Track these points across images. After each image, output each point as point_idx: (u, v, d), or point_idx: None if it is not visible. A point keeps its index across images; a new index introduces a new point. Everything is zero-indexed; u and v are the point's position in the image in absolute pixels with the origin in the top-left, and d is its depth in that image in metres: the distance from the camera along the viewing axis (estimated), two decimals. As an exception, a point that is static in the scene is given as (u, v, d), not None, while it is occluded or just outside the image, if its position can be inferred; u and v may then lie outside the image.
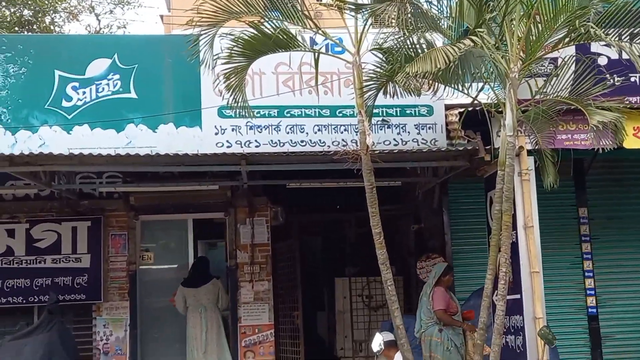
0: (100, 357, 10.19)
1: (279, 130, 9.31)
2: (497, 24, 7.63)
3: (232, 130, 9.33)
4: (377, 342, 6.77)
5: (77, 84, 9.44)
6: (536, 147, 7.85)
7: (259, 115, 9.08)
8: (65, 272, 10.24)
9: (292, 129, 9.35)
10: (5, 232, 10.26)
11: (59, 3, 21.87)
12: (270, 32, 7.81)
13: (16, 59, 9.46)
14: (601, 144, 7.43)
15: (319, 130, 9.33)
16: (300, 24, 7.88)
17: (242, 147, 9.16)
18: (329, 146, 9.02)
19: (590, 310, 9.97)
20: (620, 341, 9.91)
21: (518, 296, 7.81)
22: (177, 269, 10.94)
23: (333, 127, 9.32)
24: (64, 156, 8.41)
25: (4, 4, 20.81)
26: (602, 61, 8.76)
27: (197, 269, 10.71)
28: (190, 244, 10.87)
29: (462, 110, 8.51)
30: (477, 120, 8.36)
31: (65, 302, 10.02)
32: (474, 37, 7.17)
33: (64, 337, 9.59)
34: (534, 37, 7.42)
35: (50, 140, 9.18)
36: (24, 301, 10.17)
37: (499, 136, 7.76)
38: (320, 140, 9.28)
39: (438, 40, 7.98)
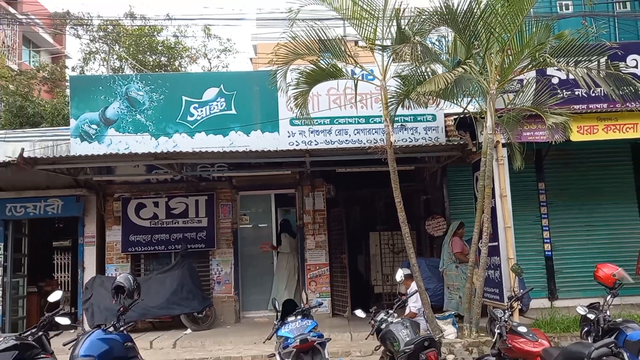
0: (215, 286, 10.30)
1: (331, 133, 9.29)
2: (481, 56, 7.43)
3: (299, 134, 9.33)
4: (399, 275, 6.67)
5: (197, 105, 9.55)
6: (508, 141, 7.61)
7: (317, 123, 9.08)
8: (191, 230, 10.31)
9: (339, 132, 9.31)
10: (152, 204, 10.37)
11: (184, 52, 22.12)
12: (324, 67, 7.76)
13: (157, 89, 9.62)
14: (554, 138, 7.21)
15: (357, 132, 9.28)
16: (344, 61, 7.80)
17: (306, 145, 9.17)
18: (364, 143, 8.94)
19: (546, 252, 9.66)
20: (567, 274, 9.59)
21: (496, 243, 7.64)
22: (264, 228, 10.91)
23: (367, 130, 9.26)
24: (190, 153, 8.51)
25: (148, 53, 21.13)
26: (555, 80, 8.49)
27: (283, 226, 10.79)
28: (272, 210, 10.84)
29: (456, 117, 8.36)
30: (466, 124, 8.23)
31: (191, 249, 10.16)
32: (464, 66, 7.03)
33: (192, 272, 9.77)
34: (507, 65, 7.24)
35: (180, 143, 9.33)
36: (165, 249, 10.30)
37: (482, 134, 7.60)
38: (358, 139, 9.22)
39: (439, 69, 7.80)
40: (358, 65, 7.97)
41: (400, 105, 7.78)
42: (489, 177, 7.26)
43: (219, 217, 10.45)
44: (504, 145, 7.72)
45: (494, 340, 5.41)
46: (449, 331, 7.37)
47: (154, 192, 10.45)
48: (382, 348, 5.73)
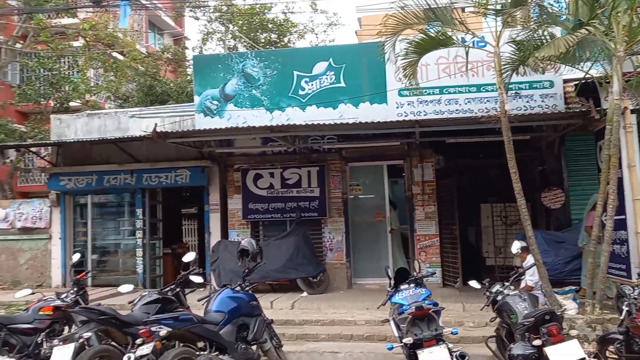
0: (327, 253, 10.66)
1: (440, 103, 9.15)
2: (606, 16, 6.84)
3: (408, 104, 9.30)
4: (516, 247, 6.50)
5: (307, 79, 9.83)
6: (637, 107, 7.00)
7: (426, 93, 8.98)
8: (304, 199, 10.69)
9: (449, 102, 9.13)
10: (268, 174, 10.87)
11: (293, 28, 22.60)
12: (434, 35, 7.61)
13: (270, 65, 10.03)
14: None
15: (468, 102, 9.03)
16: (454, 28, 7.59)
17: (415, 115, 9.10)
18: (475, 113, 8.70)
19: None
20: None
21: (623, 216, 7.12)
22: (375, 198, 10.96)
23: (479, 99, 8.98)
24: (303, 125, 8.84)
25: (260, 31, 21.85)
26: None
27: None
28: (385, 181, 10.84)
29: (576, 82, 7.84)
30: (587, 90, 7.72)
31: (305, 217, 10.57)
32: (588, 27, 6.52)
33: (306, 239, 10.22)
34: (635, 24, 6.62)
35: (293, 116, 9.71)
36: (280, 217, 10.79)
37: (607, 100, 7.06)
38: (469, 109, 8.98)
39: (557, 32, 7.33)
40: (469, 32, 7.72)
41: (515, 72, 7.45)
42: (615, 146, 6.75)
43: (330, 187, 10.73)
44: (632, 111, 7.12)
45: (621, 317, 5.17)
46: (570, 307, 7.05)
47: (269, 163, 10.94)
48: (498, 320, 5.69)
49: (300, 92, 9.81)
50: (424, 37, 7.60)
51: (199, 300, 5.78)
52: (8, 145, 13.69)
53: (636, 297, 5.10)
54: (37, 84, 17.74)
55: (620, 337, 5.14)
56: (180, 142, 9.89)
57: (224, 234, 11.00)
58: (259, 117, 9.80)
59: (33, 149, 12.78)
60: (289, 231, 10.33)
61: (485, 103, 8.88)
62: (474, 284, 6.00)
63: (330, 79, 9.74)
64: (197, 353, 4.94)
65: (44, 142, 12.70)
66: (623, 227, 7.17)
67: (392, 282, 5.76)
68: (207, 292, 5.91)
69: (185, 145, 10.11)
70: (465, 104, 9.02)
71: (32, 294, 6.53)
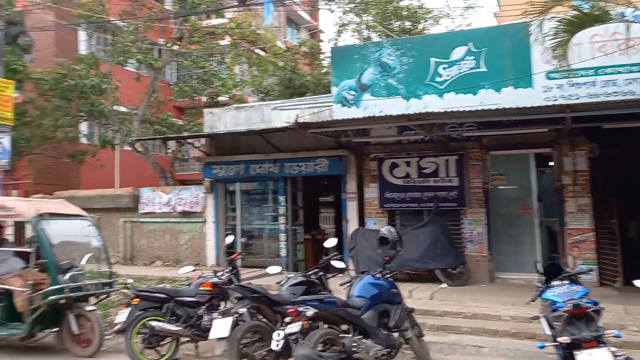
0: (467, 244, 10.35)
1: (595, 85, 8.43)
2: None
3: (557, 88, 8.72)
4: None
5: (445, 65, 9.64)
6: None
7: (578, 75, 8.29)
8: (442, 189, 10.46)
9: (605, 83, 8.35)
10: (404, 163, 10.83)
11: (427, 14, 22.11)
12: (587, 11, 7.00)
13: (406, 53, 10.00)
14: None
15: (629, 82, 8.16)
16: (611, 2, 6.90)
17: (565, 99, 8.49)
18: (639, 94, 7.83)
19: None
20: None
21: None
22: (519, 188, 10.31)
23: (642, 79, 8.07)
24: (440, 113, 8.65)
25: (394, 20, 21.69)
26: None
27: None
28: (532, 171, 10.15)
29: None
30: None
31: (442, 207, 10.35)
32: None
33: (444, 229, 10.02)
34: None
35: (430, 103, 9.59)
36: (417, 206, 10.68)
37: None
38: (630, 90, 8.11)
39: None
40: (630, 5, 6.97)
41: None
42: None
43: (469, 176, 10.40)
44: None
45: None
46: None
47: (405, 153, 10.88)
48: None
49: (438, 79, 9.64)
50: (577, 13, 7.05)
51: (341, 285, 6.01)
52: (169, 137, 15.30)
53: None
54: (192, 81, 19.53)
55: None
56: (319, 132, 10.26)
57: (361, 222, 11.21)
58: (395, 106, 9.82)
59: (189, 141, 14.12)
60: (427, 221, 10.18)
61: (650, 83, 7.97)
62: (639, 283, 5.48)
63: (470, 64, 9.44)
64: (341, 335, 5.15)
65: (199, 134, 13.96)
66: None
67: (543, 277, 5.47)
68: (348, 277, 6.10)
69: (323, 135, 10.46)
70: (626, 85, 8.17)
71: (194, 270, 7.28)
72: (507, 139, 9.95)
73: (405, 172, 10.81)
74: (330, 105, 10.75)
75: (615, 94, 8.18)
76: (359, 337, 5.19)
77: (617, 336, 4.58)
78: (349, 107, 10.36)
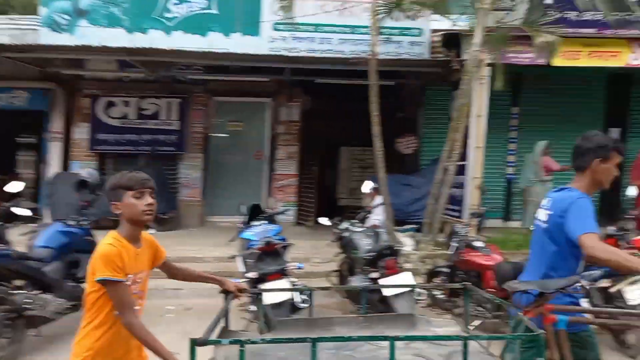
0: (182, 190, 10.12)
1: (314, 41, 9.00)
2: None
3: (282, 40, 9.01)
4: (367, 186, 6.88)
5: (176, 1, 9.02)
6: (492, 61, 7.54)
7: (301, 30, 8.74)
8: (162, 132, 9.98)
9: (322, 41, 9.02)
10: (123, 103, 9.96)
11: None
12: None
13: (133, -18, 8.97)
14: (539, 59, 7.21)
15: (342, 42, 9.01)
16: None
17: (287, 52, 8.85)
18: (347, 54, 8.72)
19: (508, 176, 9.94)
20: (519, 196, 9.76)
21: (464, 162, 7.79)
22: (252, 136, 10.46)
23: (352, 41, 8.98)
24: (166, 50, 8.12)
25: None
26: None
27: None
28: (267, 119, 10.35)
29: (444, 32, 8.20)
30: (452, 43, 8.08)
31: (160, 151, 9.91)
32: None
33: (159, 174, 9.39)
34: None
35: (156, 40, 8.84)
36: (133, 150, 9.95)
37: (467, 52, 7.49)
38: (341, 50, 8.97)
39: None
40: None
41: (389, 15, 7.54)
42: (469, 96, 7.26)
43: (192, 121, 10.12)
44: (488, 64, 7.67)
45: (450, 253, 5.64)
46: (407, 243, 7.53)
47: (125, 92, 9.99)
48: (342, 255, 5.87)
49: (167, 15, 8.98)
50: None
51: (21, 235, 5.10)
52: None
53: (465, 235, 5.62)
54: None
55: (447, 270, 5.68)
56: (19, 58, 8.52)
57: (66, 166, 9.91)
58: (117, 38, 8.75)
59: None
60: (141, 166, 9.42)
61: (357, 45, 8.91)
62: (323, 220, 6.13)
63: (202, 3, 9.04)
64: (13, 292, 4.31)
65: None
66: (463, 173, 7.83)
67: (247, 219, 5.60)
68: (32, 227, 5.21)
69: (25, 63, 8.75)
70: (338, 44, 8.98)
71: None
72: (234, 85, 9.98)
73: (123, 112, 9.96)
74: (37, 28, 9.00)
75: (329, 52, 8.91)
76: (38, 292, 4.46)
77: (300, 267, 5.03)
78: (61, 32, 8.84)
